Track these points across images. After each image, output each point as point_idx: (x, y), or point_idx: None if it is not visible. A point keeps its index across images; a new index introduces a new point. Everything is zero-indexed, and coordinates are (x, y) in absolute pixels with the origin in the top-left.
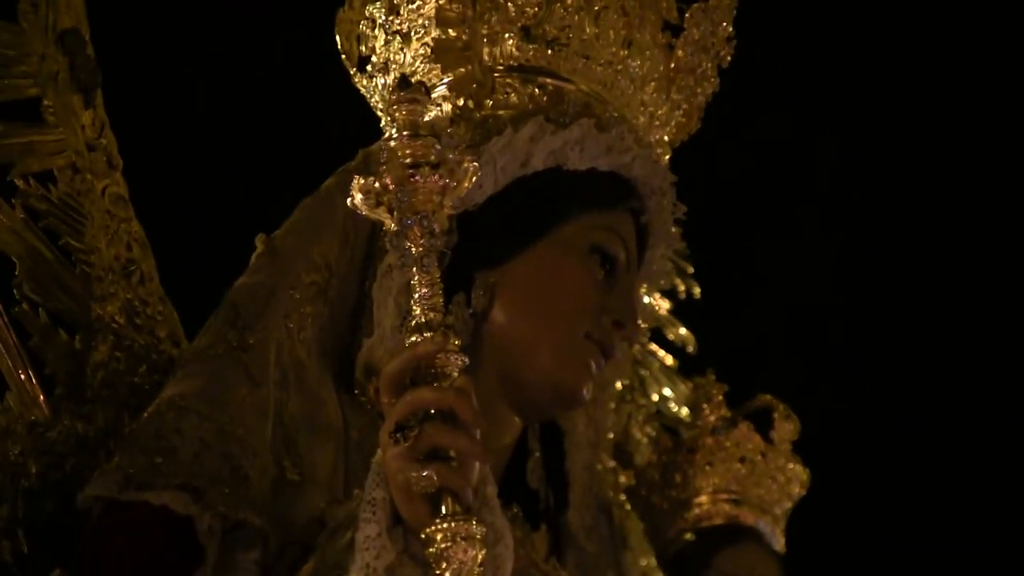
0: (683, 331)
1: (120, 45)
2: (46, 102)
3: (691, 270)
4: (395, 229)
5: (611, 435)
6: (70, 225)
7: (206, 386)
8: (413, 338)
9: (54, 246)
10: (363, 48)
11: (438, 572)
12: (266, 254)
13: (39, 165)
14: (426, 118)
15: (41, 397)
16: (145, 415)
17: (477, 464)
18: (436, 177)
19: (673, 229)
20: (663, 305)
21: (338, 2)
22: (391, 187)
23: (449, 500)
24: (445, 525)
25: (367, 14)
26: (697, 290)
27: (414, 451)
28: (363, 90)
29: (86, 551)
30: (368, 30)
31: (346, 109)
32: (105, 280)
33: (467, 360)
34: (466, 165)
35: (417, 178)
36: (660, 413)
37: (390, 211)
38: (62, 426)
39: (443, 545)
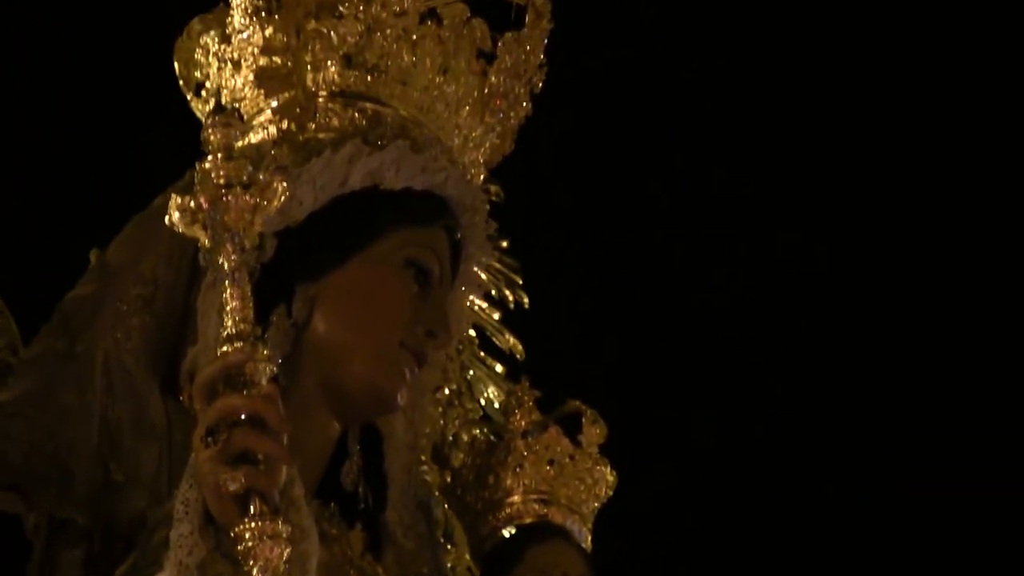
0: (511, 339)
1: None
2: None
3: (520, 281)
4: (208, 246)
5: (428, 437)
6: None
7: (35, 392)
8: (224, 348)
9: None
10: (199, 74)
11: (246, 568)
12: (96, 268)
13: None
14: (254, 140)
15: None
16: None
17: (284, 467)
18: (247, 197)
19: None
20: (494, 314)
21: (177, 31)
22: (205, 206)
23: (257, 501)
24: (253, 524)
25: (202, 43)
26: (526, 300)
27: (224, 454)
28: (199, 114)
29: None
30: (203, 58)
31: (183, 131)
32: None
33: (275, 369)
34: (276, 185)
35: (229, 198)
36: (488, 417)
37: (204, 228)
38: None
39: (251, 543)
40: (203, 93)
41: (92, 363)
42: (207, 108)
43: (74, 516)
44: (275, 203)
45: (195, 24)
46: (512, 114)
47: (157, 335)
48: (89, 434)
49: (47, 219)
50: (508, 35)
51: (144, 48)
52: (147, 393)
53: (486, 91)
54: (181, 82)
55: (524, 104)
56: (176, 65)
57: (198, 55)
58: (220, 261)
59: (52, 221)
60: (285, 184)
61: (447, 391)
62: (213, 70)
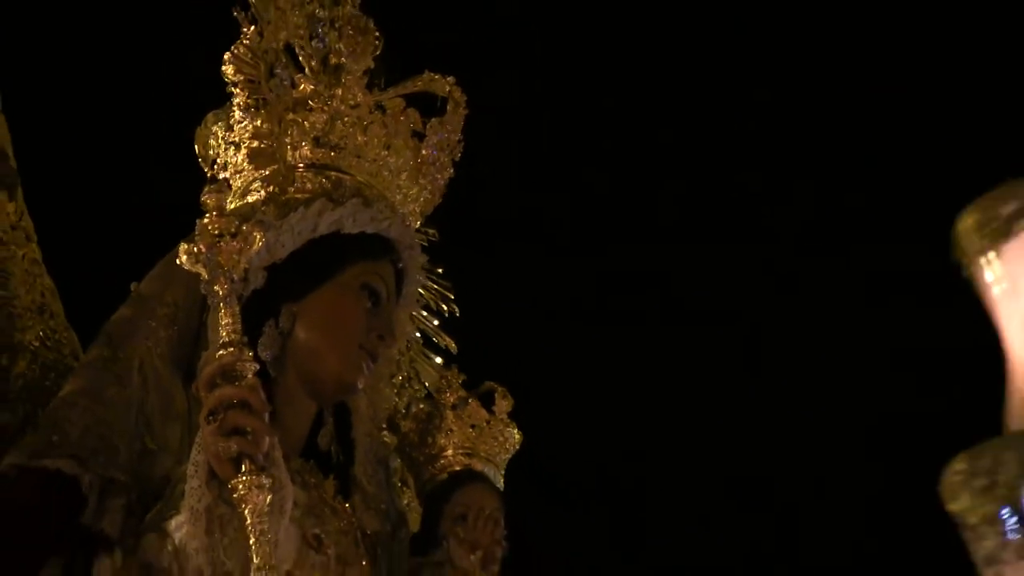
0: (447, 339)
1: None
2: None
3: (452, 296)
4: (207, 279)
5: (384, 411)
6: None
7: (88, 387)
8: (220, 352)
9: None
10: (211, 152)
11: (240, 510)
12: (133, 296)
13: None
14: (249, 200)
15: None
16: (48, 408)
17: (266, 437)
18: (235, 243)
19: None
20: (434, 321)
21: (197, 121)
22: (203, 250)
23: (247, 461)
24: (244, 478)
25: (213, 130)
26: (456, 310)
27: (221, 429)
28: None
29: (5, 502)
30: (214, 141)
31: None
32: (24, 317)
33: (258, 366)
34: (255, 234)
35: (221, 244)
36: (429, 396)
37: (204, 267)
38: None
39: (243, 492)
40: (215, 166)
41: (130, 365)
42: (219, 176)
43: (118, 476)
44: (255, 247)
45: (209, 117)
46: (439, 176)
47: (179, 344)
48: (128, 417)
49: (99, 262)
50: (434, 120)
51: (176, 128)
52: (172, 387)
53: (419, 161)
54: (200, 159)
55: (448, 169)
56: (196, 147)
57: (211, 139)
58: (215, 289)
59: (103, 264)
60: (261, 234)
61: (400, 378)
62: (221, 150)
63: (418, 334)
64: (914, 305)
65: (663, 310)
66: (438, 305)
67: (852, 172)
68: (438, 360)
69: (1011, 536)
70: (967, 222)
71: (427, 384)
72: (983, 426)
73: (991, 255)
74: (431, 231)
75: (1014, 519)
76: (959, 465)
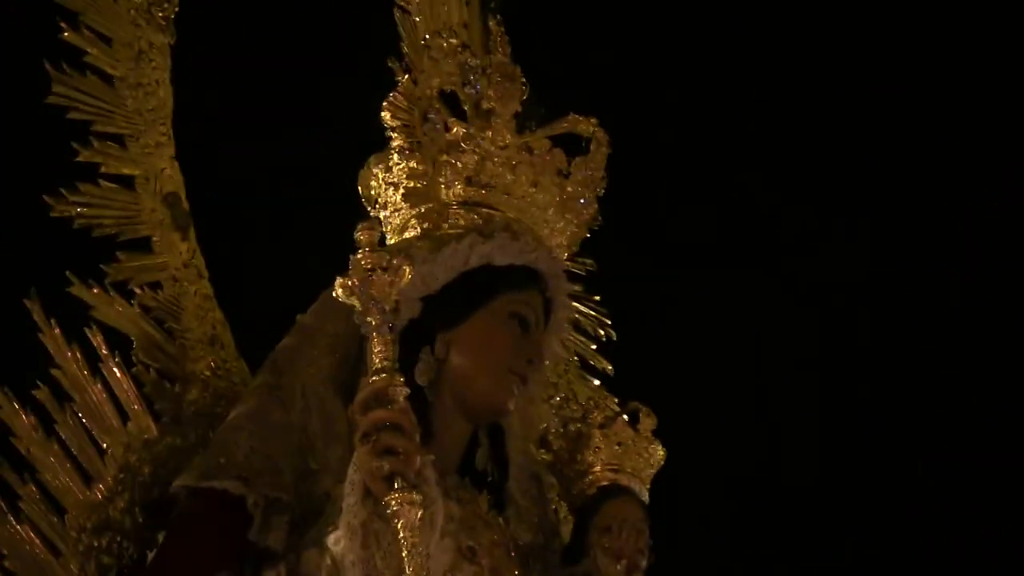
0: (604, 362)
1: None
2: (155, 238)
3: (609, 321)
4: (360, 310)
5: (536, 430)
6: (172, 314)
7: (253, 412)
8: (373, 378)
9: (160, 328)
10: (372, 193)
11: (394, 524)
12: (296, 327)
13: (150, 277)
14: (406, 236)
15: (152, 424)
16: (216, 432)
17: (416, 456)
18: (386, 276)
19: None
20: (591, 344)
21: (360, 163)
22: (357, 283)
23: (399, 479)
24: (397, 495)
25: (374, 172)
26: (613, 334)
27: (374, 449)
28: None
29: (177, 520)
30: (375, 181)
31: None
32: (196, 348)
33: (409, 391)
34: (404, 267)
35: (373, 277)
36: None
37: (357, 298)
38: (165, 442)
39: (396, 507)
40: (376, 204)
41: (293, 391)
42: (378, 213)
43: (281, 495)
44: (404, 280)
45: (371, 159)
46: (584, 212)
47: (341, 370)
48: (291, 439)
49: (266, 298)
50: (578, 159)
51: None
52: (334, 410)
53: (564, 197)
54: (363, 198)
55: (593, 205)
56: (359, 188)
57: (372, 180)
58: (368, 320)
59: (271, 299)
60: (410, 267)
61: (558, 399)
62: (381, 190)
63: (576, 357)
64: None
65: None
66: (595, 330)
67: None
68: (596, 382)
69: None
70: None
71: (583, 403)
72: None
73: None
74: (589, 262)
75: None
76: None
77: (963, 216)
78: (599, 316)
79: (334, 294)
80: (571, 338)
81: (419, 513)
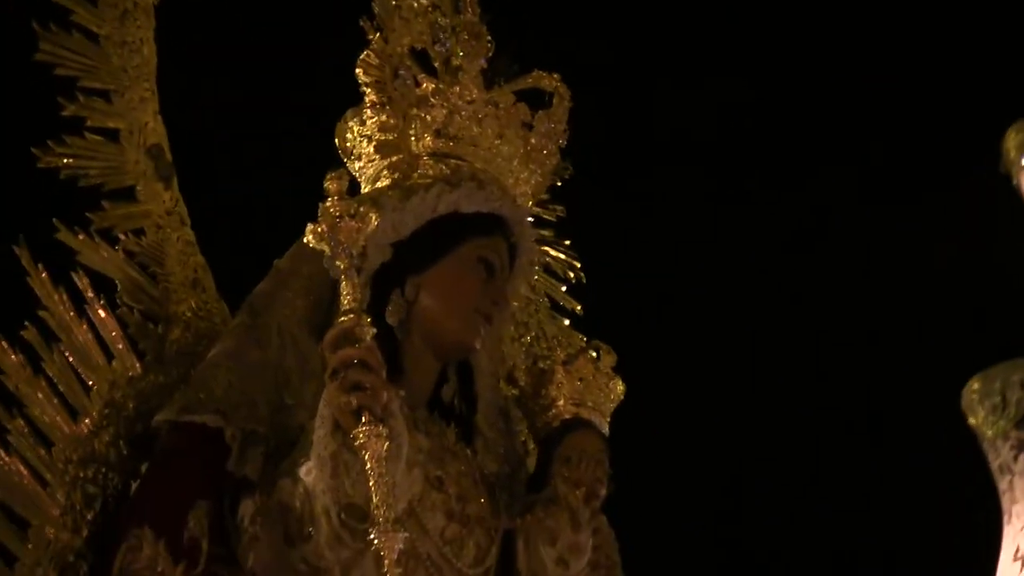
0: (573, 302)
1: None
2: (138, 188)
3: (579, 265)
4: (329, 255)
5: (503, 367)
6: (155, 259)
7: (231, 350)
8: (341, 318)
9: (144, 272)
10: (348, 144)
11: (361, 456)
12: (273, 271)
13: (134, 224)
14: (378, 186)
15: (136, 363)
16: (196, 370)
17: (383, 391)
18: (353, 223)
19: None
20: (562, 287)
21: (338, 115)
22: (326, 230)
23: (366, 413)
24: (364, 428)
25: (350, 126)
26: (583, 276)
27: (343, 385)
28: (353, 172)
29: (159, 452)
30: (350, 134)
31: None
32: (179, 291)
33: (375, 330)
34: (371, 215)
35: (341, 224)
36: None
37: (327, 244)
38: (149, 379)
39: (363, 440)
40: (352, 155)
41: (269, 331)
42: (352, 165)
43: (257, 428)
44: (371, 226)
45: (348, 113)
46: (547, 162)
47: (315, 311)
48: (267, 376)
49: (246, 242)
50: (541, 112)
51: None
52: (309, 349)
53: (528, 148)
54: (339, 150)
55: (555, 155)
56: (336, 139)
57: (348, 133)
58: (337, 264)
59: (250, 243)
60: (376, 214)
61: (528, 338)
62: (356, 142)
63: (545, 298)
64: None
65: None
66: (565, 272)
67: None
68: (566, 322)
69: (1021, 450)
70: (1014, 137)
71: (552, 342)
72: None
73: None
74: (559, 208)
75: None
76: (975, 384)
77: None
78: (569, 259)
79: (305, 240)
80: (541, 279)
81: (385, 445)
